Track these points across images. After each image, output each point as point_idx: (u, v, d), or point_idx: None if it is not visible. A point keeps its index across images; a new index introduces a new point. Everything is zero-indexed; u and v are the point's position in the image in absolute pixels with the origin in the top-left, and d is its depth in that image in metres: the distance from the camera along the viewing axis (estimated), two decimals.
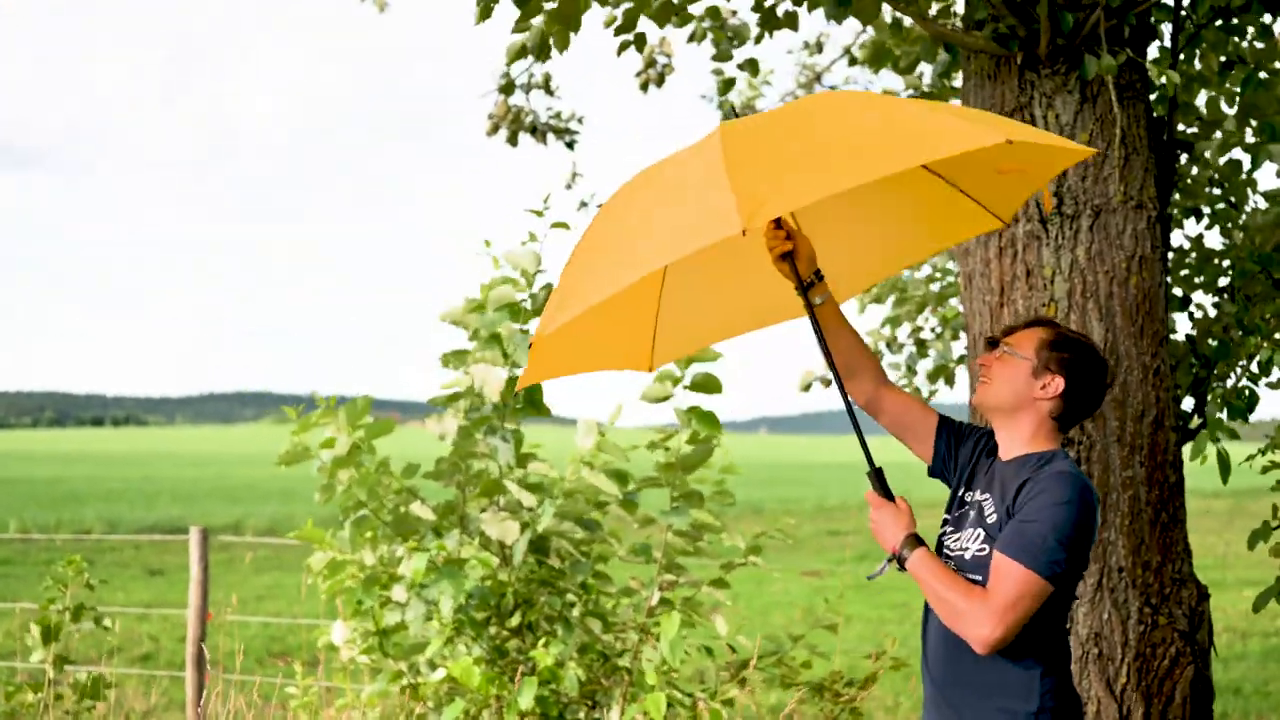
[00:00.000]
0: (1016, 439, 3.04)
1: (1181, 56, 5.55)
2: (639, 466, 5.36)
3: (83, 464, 54.48)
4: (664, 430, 5.20)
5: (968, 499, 3.08)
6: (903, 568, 2.98)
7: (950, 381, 7.44)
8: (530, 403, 5.39)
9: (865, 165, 2.74)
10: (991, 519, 2.95)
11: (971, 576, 2.91)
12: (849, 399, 3.22)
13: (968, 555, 2.96)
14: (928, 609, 3.06)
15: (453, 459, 5.47)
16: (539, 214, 5.43)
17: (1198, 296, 5.80)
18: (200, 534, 7.72)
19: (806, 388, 7.83)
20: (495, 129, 8.93)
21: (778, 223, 3.15)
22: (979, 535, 2.95)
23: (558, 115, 9.12)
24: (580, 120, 9.32)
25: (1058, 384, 2.99)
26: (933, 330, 7.62)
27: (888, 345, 7.66)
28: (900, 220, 3.58)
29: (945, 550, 3.06)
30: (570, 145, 9.36)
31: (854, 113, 2.98)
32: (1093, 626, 4.62)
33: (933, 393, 7.44)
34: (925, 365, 7.51)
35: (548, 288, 5.46)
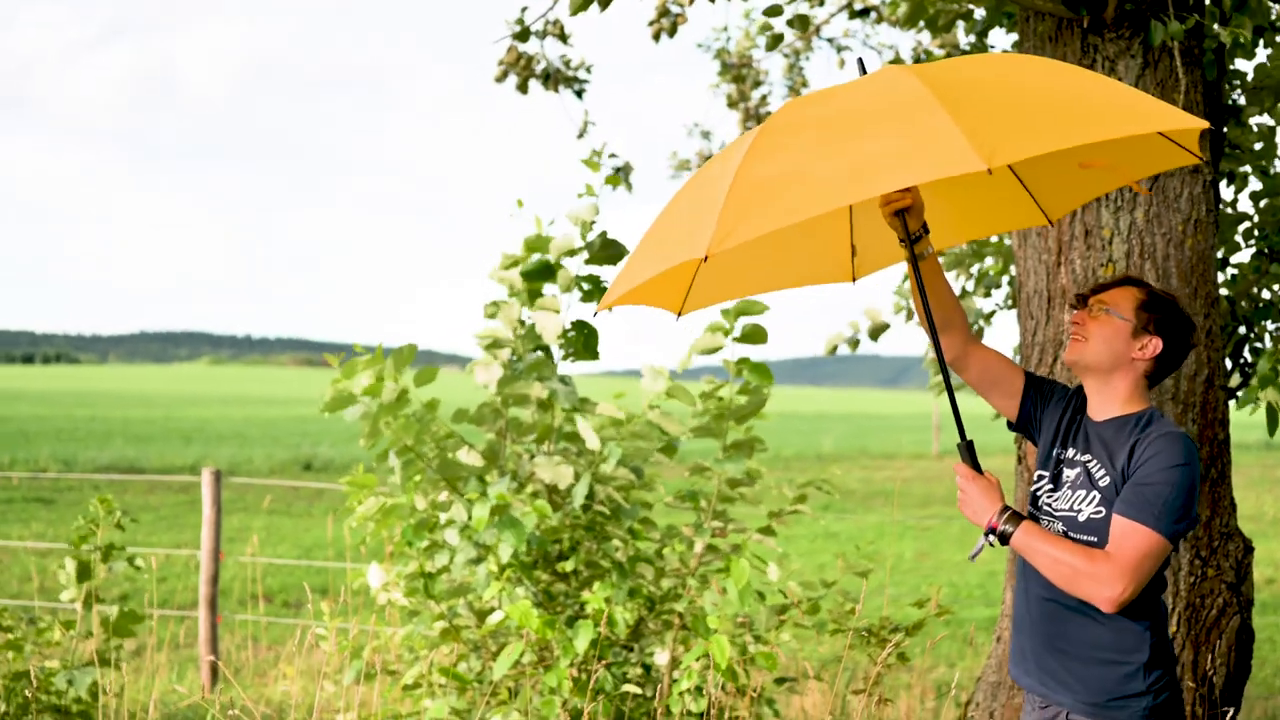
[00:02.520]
0: (1113, 398, 3.07)
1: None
2: (682, 416, 5.42)
3: (24, 402, 53.72)
4: (713, 381, 5.26)
5: (1064, 458, 3.10)
6: (1005, 542, 2.99)
7: (979, 336, 7.54)
8: (584, 347, 5.44)
9: (1079, 128, 2.75)
10: (1104, 481, 2.97)
11: (1085, 538, 2.96)
12: (941, 355, 3.24)
13: (1081, 517, 2.99)
14: (1023, 574, 3.11)
15: (494, 404, 5.50)
16: (594, 166, 5.44)
17: (1236, 257, 5.94)
18: (213, 475, 7.70)
19: (832, 350, 7.90)
20: (504, 75, 8.87)
21: None
22: (1094, 498, 2.98)
23: (567, 63, 9.09)
24: (589, 69, 9.29)
25: (1156, 345, 3.03)
26: (964, 288, 7.71)
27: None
28: (952, 201, 3.55)
29: (1045, 507, 3.09)
30: (579, 94, 9.33)
31: (1055, 75, 2.98)
32: None
33: None
34: None
35: (603, 236, 5.48)
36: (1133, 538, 2.86)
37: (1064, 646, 3.03)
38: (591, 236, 5.43)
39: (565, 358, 5.43)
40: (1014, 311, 7.12)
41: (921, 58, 8.60)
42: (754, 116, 10.35)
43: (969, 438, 3.08)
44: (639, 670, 5.07)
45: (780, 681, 5.21)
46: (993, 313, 7.77)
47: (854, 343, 7.94)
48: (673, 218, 3.12)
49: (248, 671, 7.35)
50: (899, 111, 2.76)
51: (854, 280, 3.73)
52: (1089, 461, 3.03)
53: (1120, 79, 4.85)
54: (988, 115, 2.67)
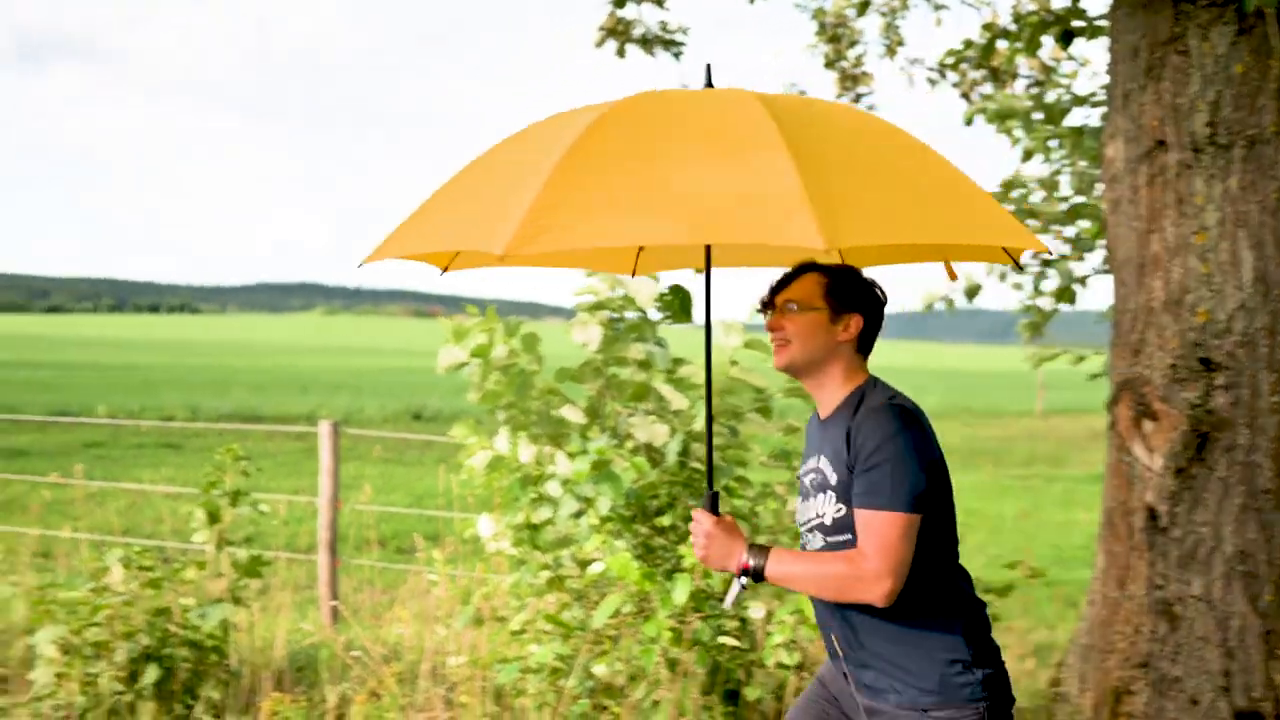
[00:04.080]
0: (832, 388, 2.98)
1: None
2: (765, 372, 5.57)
3: (151, 351, 55.41)
4: None
5: (805, 469, 3.04)
6: (760, 579, 2.87)
7: (1072, 299, 7.59)
8: (681, 309, 5.63)
9: (938, 222, 2.69)
10: (834, 478, 2.88)
11: (841, 538, 2.87)
12: None
13: (827, 520, 2.91)
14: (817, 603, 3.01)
15: (595, 363, 5.72)
16: None
17: None
18: (332, 427, 8.05)
19: (929, 307, 8.00)
20: (603, 40, 9.05)
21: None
22: (831, 498, 2.89)
23: (665, 26, 9.23)
24: (685, 31, 9.42)
25: (856, 321, 2.95)
26: (1058, 252, 7.73)
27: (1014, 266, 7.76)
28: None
29: (802, 524, 3.04)
30: (677, 56, 9.47)
31: (912, 152, 2.83)
32: (1238, 545, 4.83)
33: (1054, 311, 7.61)
34: (1048, 285, 7.65)
35: None
36: (876, 526, 2.76)
37: (878, 654, 2.91)
38: None
39: (662, 321, 5.63)
40: (1108, 276, 7.15)
41: (1021, 16, 8.56)
42: (850, 77, 10.38)
43: (714, 491, 3.02)
44: (735, 623, 5.25)
45: None
46: (1086, 276, 7.79)
47: (950, 301, 8.01)
48: (482, 181, 2.85)
49: (364, 614, 7.71)
50: (745, 154, 2.56)
51: (634, 274, 3.77)
52: (819, 463, 2.95)
53: (1214, 45, 4.88)
54: (836, 185, 2.51)
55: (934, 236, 2.77)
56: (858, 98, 9.55)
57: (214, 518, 6.06)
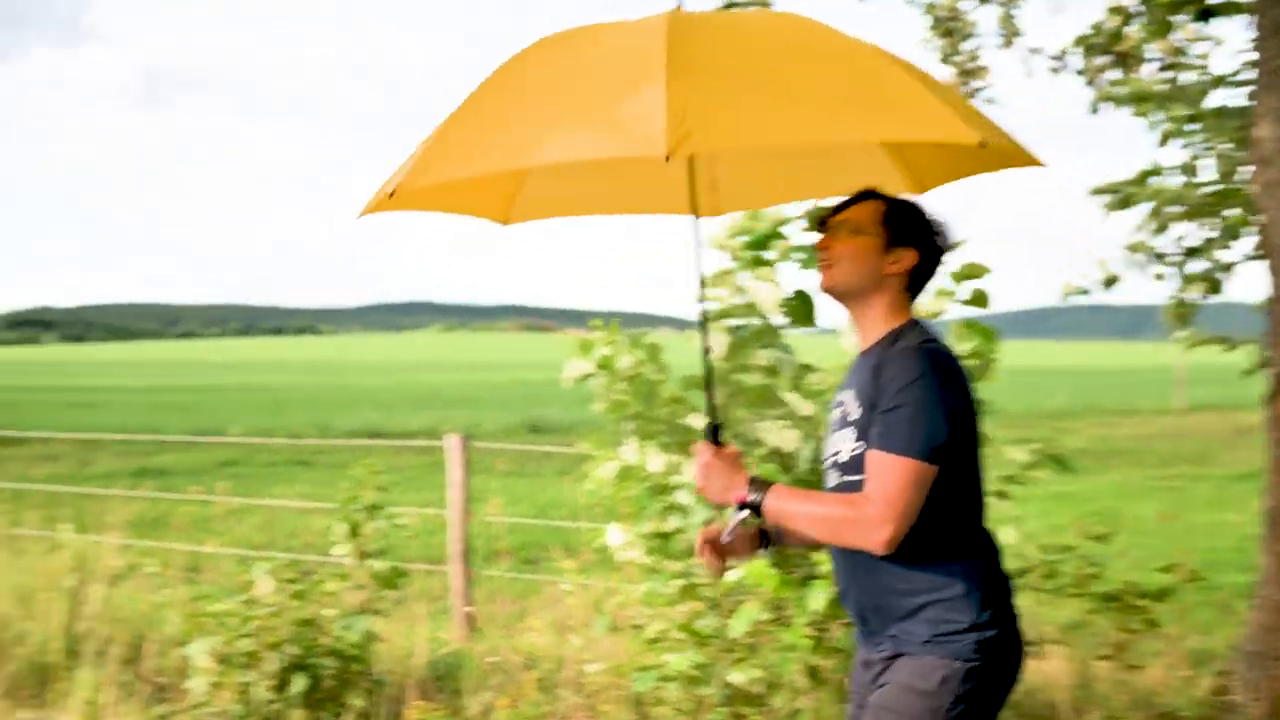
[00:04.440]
0: (874, 321, 2.85)
1: None
2: None
3: (279, 371, 56.77)
4: None
5: (836, 402, 2.92)
6: (758, 513, 2.74)
7: (1218, 289, 7.40)
8: (804, 314, 5.62)
9: (822, 123, 2.54)
10: (855, 415, 2.76)
11: (855, 477, 2.74)
12: None
13: (843, 457, 2.80)
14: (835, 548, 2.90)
15: (722, 371, 5.74)
16: None
17: None
18: (460, 440, 8.19)
19: (1069, 296, 7.86)
20: None
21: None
22: (850, 434, 2.77)
23: None
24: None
25: (910, 256, 2.83)
26: (1204, 239, 7.53)
27: (1155, 256, 7.60)
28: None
29: (824, 462, 2.93)
30: None
31: (833, 58, 2.69)
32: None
33: (1199, 304, 7.44)
34: (1191, 269, 7.47)
35: (816, 207, 5.65)
36: (886, 471, 2.63)
37: (886, 604, 2.80)
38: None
39: (786, 326, 5.62)
40: (1257, 263, 6.93)
41: None
42: (967, 72, 10.22)
43: (715, 422, 2.92)
44: None
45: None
46: (1233, 264, 7.58)
47: (1083, 291, 7.87)
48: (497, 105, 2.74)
49: (496, 623, 7.82)
50: (624, 71, 2.53)
51: (699, 215, 3.40)
52: (845, 396, 2.84)
53: None
54: (714, 96, 2.44)
55: (824, 134, 2.65)
56: (974, 92, 9.43)
57: (354, 531, 6.22)
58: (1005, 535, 5.07)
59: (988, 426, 5.22)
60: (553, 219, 3.56)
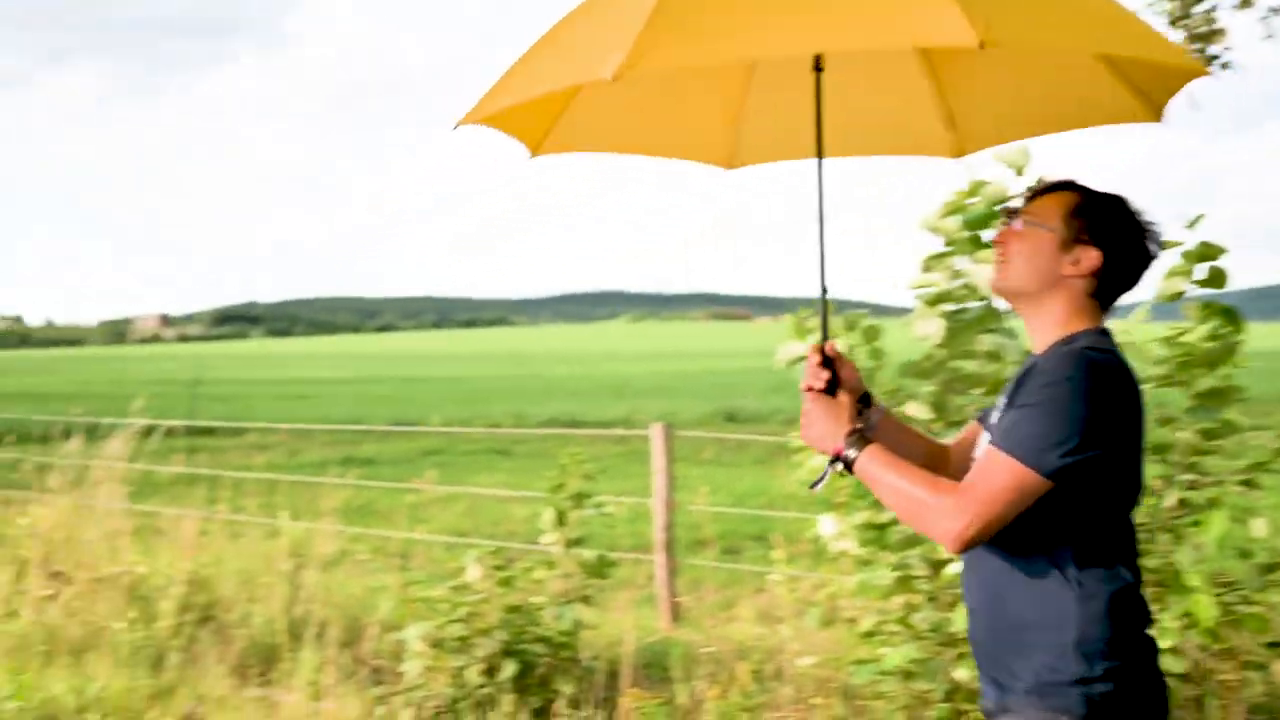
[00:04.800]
0: (1049, 326, 2.51)
1: None
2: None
3: (475, 363, 58.14)
4: (1177, 326, 5.07)
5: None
6: (850, 470, 2.51)
7: None
8: None
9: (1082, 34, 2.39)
10: (995, 418, 2.50)
11: None
12: None
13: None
14: (967, 565, 2.57)
15: (939, 358, 5.55)
16: None
17: None
18: (663, 428, 8.15)
19: None
20: None
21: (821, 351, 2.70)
22: (985, 442, 2.48)
23: None
24: None
25: (1092, 257, 2.48)
26: None
27: None
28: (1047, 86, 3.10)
29: None
30: None
31: None
32: None
33: None
34: None
35: (1039, 181, 5.40)
36: (989, 468, 2.35)
37: (984, 631, 2.53)
38: (1025, 181, 5.36)
39: (1010, 311, 5.40)
40: None
41: None
42: (1199, 36, 9.71)
43: (828, 353, 2.67)
44: None
45: (1272, 645, 4.91)
46: None
47: None
48: (578, 24, 2.61)
49: (700, 613, 7.78)
50: None
51: (729, 167, 3.33)
52: (999, 404, 2.56)
53: None
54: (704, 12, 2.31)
55: (1090, 45, 2.52)
56: (1209, 58, 8.93)
57: (560, 520, 6.24)
58: (1256, 528, 4.78)
59: (1234, 412, 4.94)
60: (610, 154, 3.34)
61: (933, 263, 5.55)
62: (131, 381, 44.01)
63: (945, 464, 2.69)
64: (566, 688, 5.63)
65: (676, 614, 7.69)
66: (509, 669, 5.61)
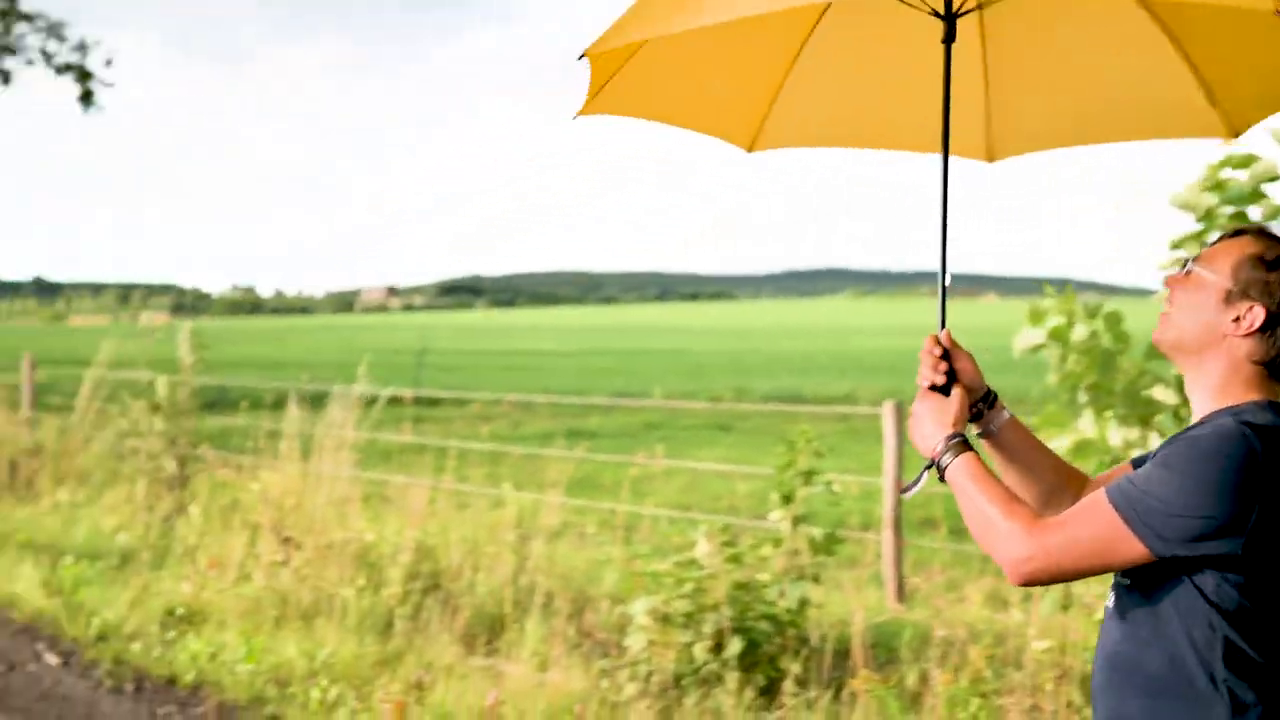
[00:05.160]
0: (1205, 391, 2.18)
1: None
2: None
3: (697, 337, 58.40)
4: None
5: None
6: (943, 478, 2.28)
7: None
8: None
9: None
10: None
11: (1134, 591, 2.11)
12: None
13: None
14: (1101, 631, 2.25)
15: None
16: None
17: None
18: (895, 407, 7.95)
19: None
20: None
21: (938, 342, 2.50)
22: None
23: None
24: None
25: (1255, 315, 2.11)
26: None
27: None
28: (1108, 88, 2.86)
29: None
30: None
31: None
32: None
33: None
34: None
35: None
36: (1085, 511, 2.08)
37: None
38: None
39: None
40: None
41: None
42: None
43: (945, 344, 2.45)
44: None
45: None
46: None
47: None
48: None
49: (927, 593, 7.56)
50: None
51: (990, 160, 3.06)
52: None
53: None
54: None
55: None
56: None
57: (788, 497, 6.12)
58: None
59: None
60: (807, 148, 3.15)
61: (1185, 241, 5.23)
62: (358, 350, 45.81)
63: (1072, 491, 2.44)
64: (793, 666, 5.52)
65: (903, 594, 7.50)
66: (735, 646, 5.54)
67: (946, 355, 2.48)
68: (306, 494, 7.81)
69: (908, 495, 2.42)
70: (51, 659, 6.69)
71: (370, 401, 8.77)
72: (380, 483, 9.48)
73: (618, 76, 2.69)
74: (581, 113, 2.72)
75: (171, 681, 6.26)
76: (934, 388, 2.43)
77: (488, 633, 6.52)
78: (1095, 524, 2.04)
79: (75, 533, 8.76)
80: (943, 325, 2.53)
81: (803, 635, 5.81)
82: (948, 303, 2.63)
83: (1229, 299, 2.13)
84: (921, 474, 2.38)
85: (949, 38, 2.55)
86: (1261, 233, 2.19)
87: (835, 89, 2.98)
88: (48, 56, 25.94)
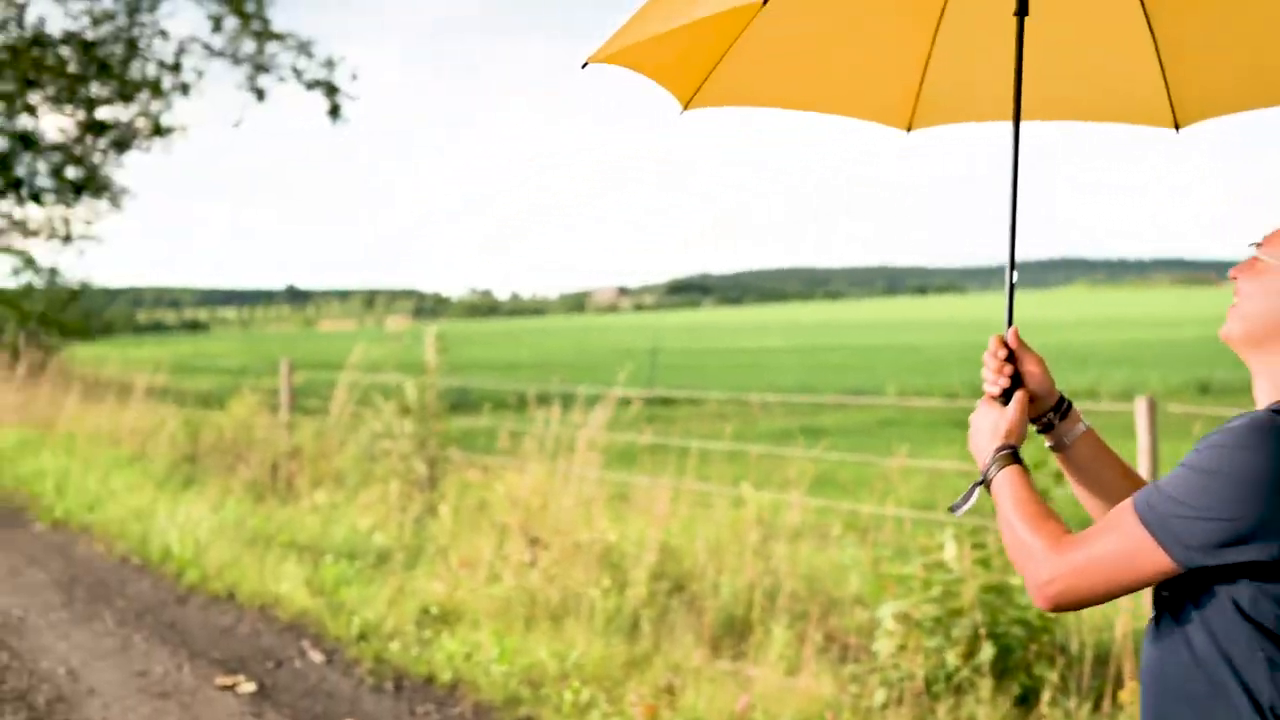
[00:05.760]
0: (1271, 386, 2.00)
1: None
2: None
3: (928, 330, 57.38)
4: None
5: None
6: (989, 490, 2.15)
7: None
8: None
9: None
10: None
11: (1175, 606, 1.93)
12: None
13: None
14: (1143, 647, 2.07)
15: None
16: None
17: None
18: (1148, 402, 7.59)
19: None
20: None
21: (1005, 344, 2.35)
22: None
23: None
24: None
25: None
26: None
27: None
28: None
29: None
30: None
31: None
32: None
33: None
34: None
35: None
36: (1109, 523, 1.91)
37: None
38: None
39: None
40: None
41: None
42: None
43: (1016, 368, 2.30)
44: None
45: None
46: None
47: None
48: None
49: None
50: None
51: (909, 129, 2.93)
52: None
53: None
54: None
55: None
56: None
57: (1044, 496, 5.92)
58: None
59: None
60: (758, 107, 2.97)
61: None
62: (590, 351, 46.53)
63: None
64: (1048, 675, 5.33)
65: None
66: (986, 652, 5.39)
67: (1012, 357, 2.35)
68: (552, 495, 7.96)
69: (958, 513, 2.29)
70: (316, 656, 7.00)
71: (625, 402, 8.87)
72: (621, 483, 9.60)
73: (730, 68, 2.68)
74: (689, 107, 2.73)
75: (429, 680, 6.46)
76: (997, 395, 2.32)
77: (733, 635, 6.52)
78: (1119, 536, 1.90)
79: (334, 533, 9.15)
80: (1009, 323, 2.40)
81: (1059, 642, 5.61)
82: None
83: None
84: (972, 489, 2.26)
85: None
86: None
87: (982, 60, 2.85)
88: (298, 73, 27.28)
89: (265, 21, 27.03)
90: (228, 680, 6.57)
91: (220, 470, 11.73)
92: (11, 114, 28.06)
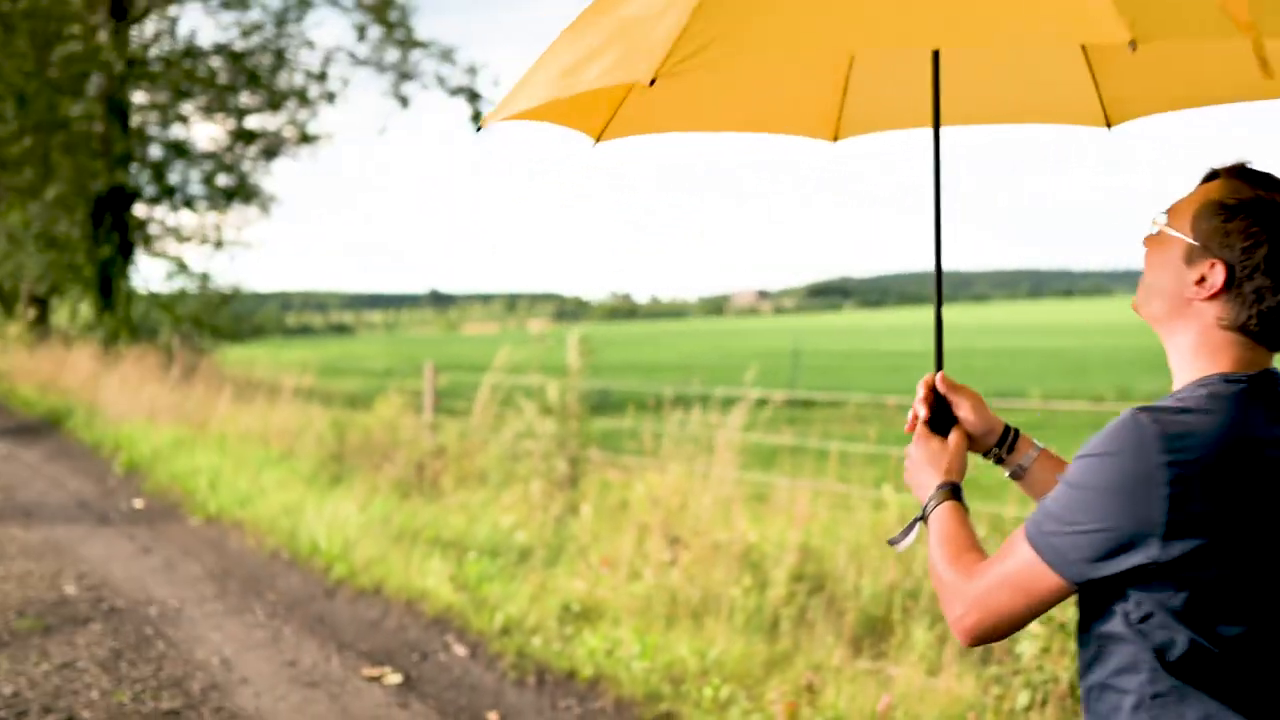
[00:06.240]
0: (1177, 366, 1.90)
1: None
2: None
3: (1073, 334, 56.13)
4: None
5: None
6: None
7: None
8: None
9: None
10: None
11: (1095, 624, 1.88)
12: None
13: None
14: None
15: None
16: None
17: None
18: None
19: None
20: None
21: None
22: None
23: None
24: None
25: (1216, 274, 1.80)
26: None
27: None
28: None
29: None
30: None
31: None
32: None
33: None
34: None
35: None
36: (1004, 549, 1.89)
37: None
38: None
39: None
40: None
41: None
42: None
43: (942, 396, 2.28)
44: None
45: None
46: None
47: None
48: (605, 15, 2.20)
49: None
50: None
51: (835, 139, 2.94)
52: None
53: None
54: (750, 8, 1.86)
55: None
56: None
57: None
58: None
59: None
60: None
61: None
62: (730, 353, 46.48)
63: None
64: None
65: None
66: None
67: (941, 400, 2.33)
68: (692, 495, 8.00)
69: (898, 547, 2.26)
70: (460, 650, 7.15)
71: (761, 403, 8.89)
72: (760, 484, 9.60)
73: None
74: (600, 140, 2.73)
75: (571, 675, 6.56)
76: (934, 430, 2.29)
77: (874, 636, 6.49)
78: (1014, 561, 1.86)
79: (477, 530, 9.32)
80: (938, 366, 2.37)
81: None
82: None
83: (1191, 257, 1.87)
84: (913, 524, 2.23)
85: None
86: (1234, 172, 1.87)
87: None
88: (441, 80, 27.82)
89: (409, 30, 27.63)
90: (374, 671, 6.76)
91: (367, 469, 12.03)
92: (165, 124, 29.18)
